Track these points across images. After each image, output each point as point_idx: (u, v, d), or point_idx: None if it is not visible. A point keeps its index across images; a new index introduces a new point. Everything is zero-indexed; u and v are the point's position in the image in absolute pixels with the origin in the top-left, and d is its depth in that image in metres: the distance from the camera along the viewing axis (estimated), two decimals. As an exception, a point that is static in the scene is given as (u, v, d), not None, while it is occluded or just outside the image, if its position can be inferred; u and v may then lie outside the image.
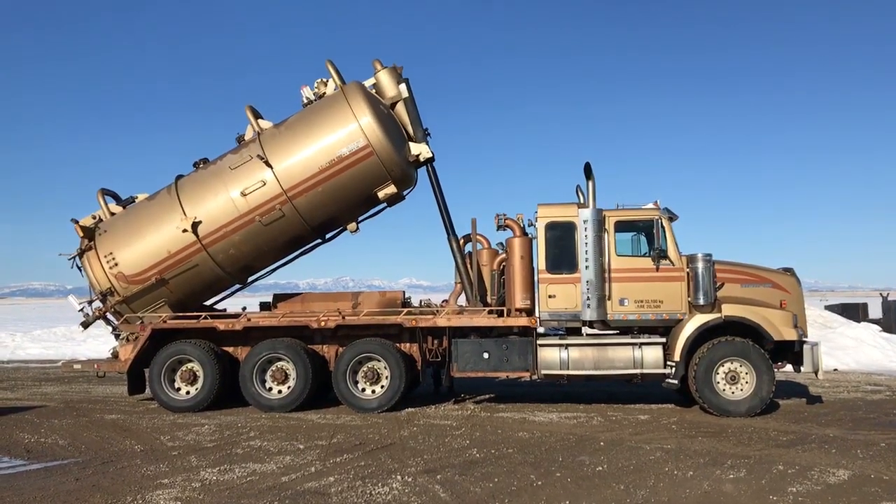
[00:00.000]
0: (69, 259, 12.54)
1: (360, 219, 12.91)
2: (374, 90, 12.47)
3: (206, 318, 12.30)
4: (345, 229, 12.91)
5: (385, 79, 12.53)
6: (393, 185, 12.18)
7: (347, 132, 11.78)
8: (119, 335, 12.65)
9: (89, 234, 12.51)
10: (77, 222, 12.59)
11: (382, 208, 12.95)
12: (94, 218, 12.84)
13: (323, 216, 12.44)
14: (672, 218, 11.73)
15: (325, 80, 12.57)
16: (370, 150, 11.75)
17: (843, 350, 18.86)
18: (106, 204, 12.92)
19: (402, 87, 12.43)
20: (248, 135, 12.58)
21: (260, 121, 12.63)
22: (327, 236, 13.20)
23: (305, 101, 12.57)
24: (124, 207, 13.01)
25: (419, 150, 12.42)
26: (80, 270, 12.54)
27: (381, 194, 12.24)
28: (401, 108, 12.50)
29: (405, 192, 12.85)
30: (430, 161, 12.58)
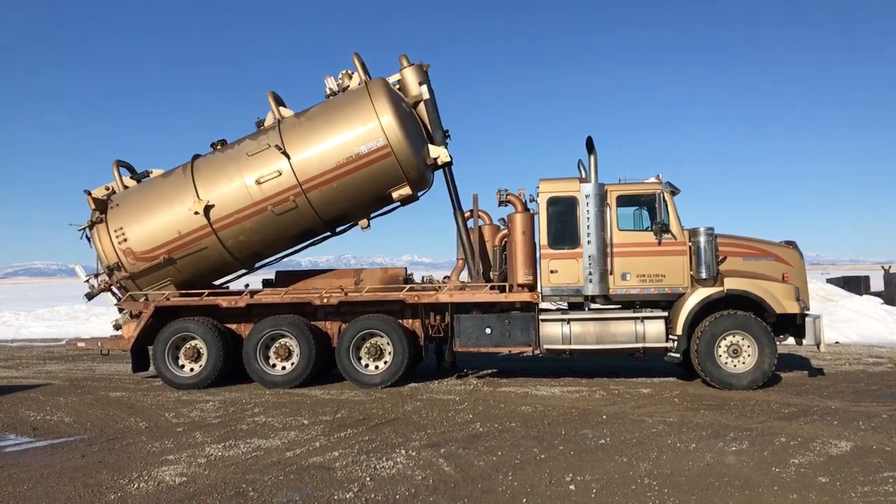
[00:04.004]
0: (79, 230, 12.50)
1: (371, 216, 12.81)
2: (398, 87, 12.32)
3: (209, 295, 12.32)
4: (355, 224, 12.84)
5: (410, 76, 12.35)
6: (408, 187, 12.04)
7: (367, 130, 11.63)
8: (122, 309, 12.69)
9: (101, 206, 12.46)
10: (90, 194, 12.55)
11: (395, 207, 12.82)
12: (107, 189, 12.80)
13: (335, 211, 12.35)
14: (674, 192, 11.67)
15: (349, 72, 12.40)
16: (389, 151, 11.61)
17: (845, 323, 18.89)
18: (120, 176, 12.84)
19: (424, 88, 12.21)
20: (269, 121, 12.46)
21: (281, 108, 12.49)
22: (337, 230, 13.11)
23: (328, 91, 12.41)
24: (138, 181, 12.95)
25: (438, 153, 12.22)
26: (90, 242, 12.52)
27: (395, 195, 12.13)
28: (422, 108, 12.32)
29: (420, 194, 12.74)
30: (447, 165, 12.39)
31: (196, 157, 12.68)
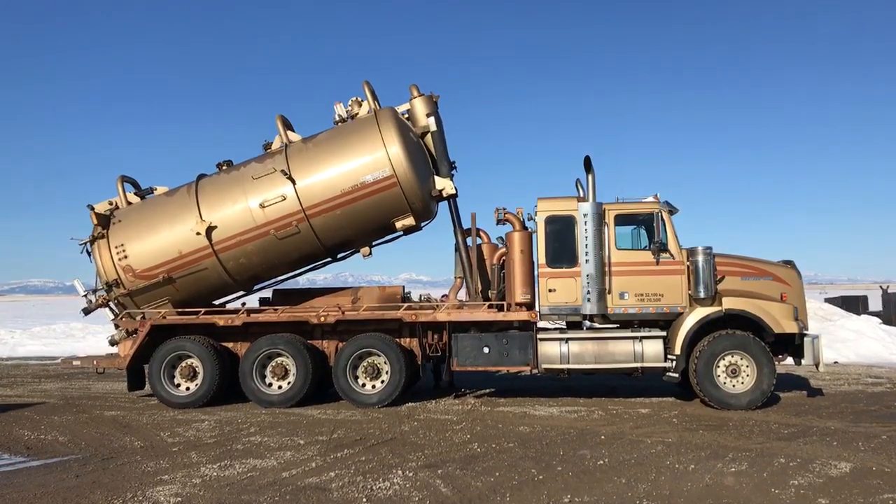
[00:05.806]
0: (80, 244, 12.48)
1: (374, 244, 12.80)
2: (406, 116, 12.37)
3: (205, 313, 12.27)
4: (357, 251, 12.82)
5: (419, 107, 12.38)
6: (412, 218, 12.05)
7: (374, 159, 11.65)
8: (119, 326, 12.65)
9: (104, 221, 12.45)
10: (93, 208, 12.54)
11: (398, 236, 12.82)
12: (110, 204, 12.81)
13: (338, 238, 12.35)
14: (672, 211, 11.70)
15: (359, 99, 12.44)
16: (394, 181, 11.63)
17: (844, 343, 18.86)
18: (124, 192, 12.85)
19: (432, 119, 12.23)
20: (276, 145, 12.48)
21: (289, 132, 12.52)
22: (339, 255, 13.08)
23: (337, 118, 12.45)
24: (142, 198, 12.96)
25: (443, 185, 12.22)
26: (90, 256, 12.48)
27: (398, 224, 12.14)
28: (429, 139, 12.35)
29: (423, 224, 12.76)
30: (452, 197, 12.39)
31: (201, 176, 12.69)
